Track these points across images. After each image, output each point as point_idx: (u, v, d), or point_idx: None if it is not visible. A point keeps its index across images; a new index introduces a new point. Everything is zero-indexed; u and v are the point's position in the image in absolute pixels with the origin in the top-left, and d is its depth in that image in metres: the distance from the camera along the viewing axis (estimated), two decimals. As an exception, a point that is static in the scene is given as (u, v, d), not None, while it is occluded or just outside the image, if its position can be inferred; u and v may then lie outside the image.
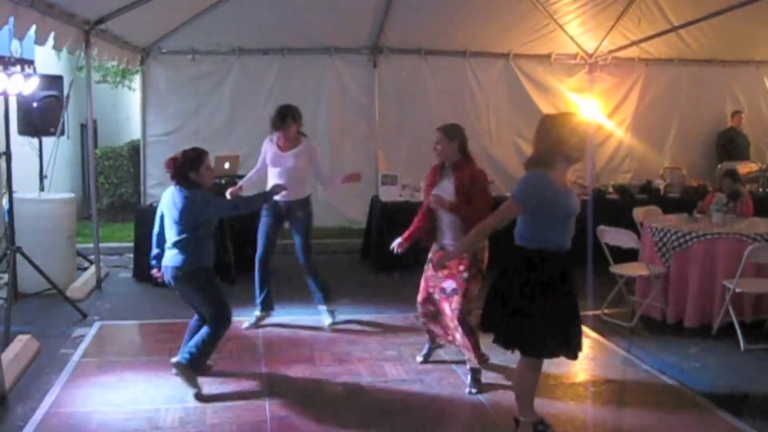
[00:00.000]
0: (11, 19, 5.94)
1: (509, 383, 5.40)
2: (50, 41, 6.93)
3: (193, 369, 5.35)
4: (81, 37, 7.79)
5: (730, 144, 11.37)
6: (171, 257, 5.36)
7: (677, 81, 11.45)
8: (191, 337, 5.51)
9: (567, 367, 5.69)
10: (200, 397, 5.24)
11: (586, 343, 6.34)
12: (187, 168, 5.35)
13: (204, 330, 5.42)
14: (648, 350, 6.48)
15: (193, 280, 5.39)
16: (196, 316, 5.65)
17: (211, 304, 5.43)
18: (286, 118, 6.78)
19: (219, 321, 5.43)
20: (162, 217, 5.50)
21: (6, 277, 7.35)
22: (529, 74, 11.03)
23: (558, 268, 4.31)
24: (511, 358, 4.89)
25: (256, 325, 6.98)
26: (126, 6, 7.76)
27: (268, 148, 6.97)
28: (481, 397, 5.32)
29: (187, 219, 5.30)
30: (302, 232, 6.99)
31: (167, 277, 5.42)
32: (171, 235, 5.37)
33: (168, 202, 5.41)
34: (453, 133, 5.55)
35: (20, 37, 6.31)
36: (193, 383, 5.30)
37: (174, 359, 5.38)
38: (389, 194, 9.78)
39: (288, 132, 6.82)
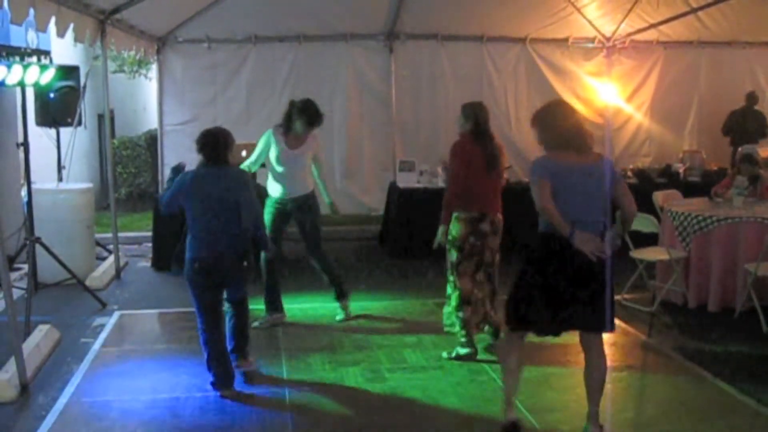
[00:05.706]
0: (31, 11, 5.94)
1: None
2: (70, 33, 6.92)
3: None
4: (97, 27, 7.78)
5: None
6: (241, 241, 5.15)
7: (696, 64, 11.28)
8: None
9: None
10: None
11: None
12: (228, 147, 5.32)
13: (237, 314, 5.38)
14: (669, 335, 6.45)
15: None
16: (210, 322, 5.22)
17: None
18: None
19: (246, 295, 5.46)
20: (190, 203, 5.09)
21: (26, 267, 7.40)
22: (547, 58, 10.90)
23: None
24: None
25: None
26: (141, -5, 7.75)
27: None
28: (502, 384, 5.29)
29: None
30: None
31: (224, 263, 5.10)
32: (229, 218, 5.05)
33: (215, 186, 5.10)
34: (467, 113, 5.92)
35: (42, 29, 6.30)
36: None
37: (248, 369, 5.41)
38: (407, 181, 9.75)
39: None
